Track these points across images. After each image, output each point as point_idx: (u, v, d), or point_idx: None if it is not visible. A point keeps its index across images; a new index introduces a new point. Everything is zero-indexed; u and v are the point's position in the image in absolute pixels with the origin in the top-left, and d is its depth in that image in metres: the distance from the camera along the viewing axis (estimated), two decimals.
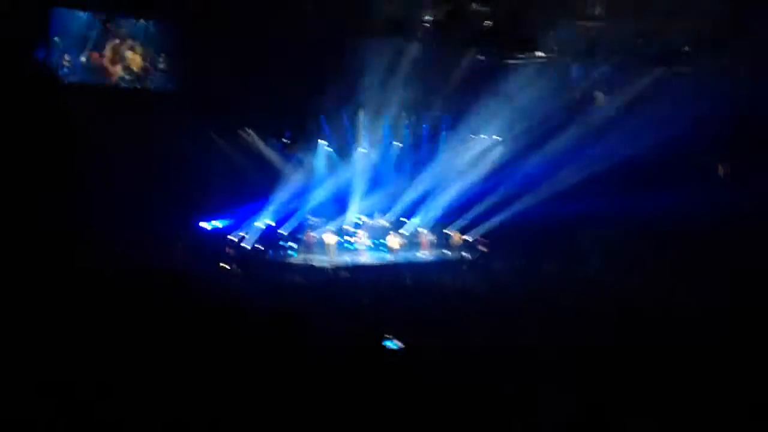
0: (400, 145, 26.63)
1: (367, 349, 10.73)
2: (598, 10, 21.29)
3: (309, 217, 25.59)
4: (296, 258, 23.29)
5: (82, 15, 18.72)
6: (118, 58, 19.12)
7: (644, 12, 21.70)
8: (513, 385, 10.71)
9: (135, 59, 19.32)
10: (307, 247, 24.73)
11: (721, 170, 24.81)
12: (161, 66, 19.68)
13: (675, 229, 21.83)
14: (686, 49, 23.15)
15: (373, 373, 10.73)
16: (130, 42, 19.22)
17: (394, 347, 8.76)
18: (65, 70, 18.64)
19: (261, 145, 24.00)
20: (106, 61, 19.01)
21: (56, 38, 18.41)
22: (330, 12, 20.01)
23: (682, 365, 11.17)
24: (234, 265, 20.80)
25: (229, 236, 22.92)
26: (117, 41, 19.07)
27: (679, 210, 21.82)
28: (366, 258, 24.17)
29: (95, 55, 18.91)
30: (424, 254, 25.22)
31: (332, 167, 26.09)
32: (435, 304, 17.77)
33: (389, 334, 11.42)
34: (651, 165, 23.55)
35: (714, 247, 20.51)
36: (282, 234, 24.18)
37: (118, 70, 19.15)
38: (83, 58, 18.70)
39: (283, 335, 12.19)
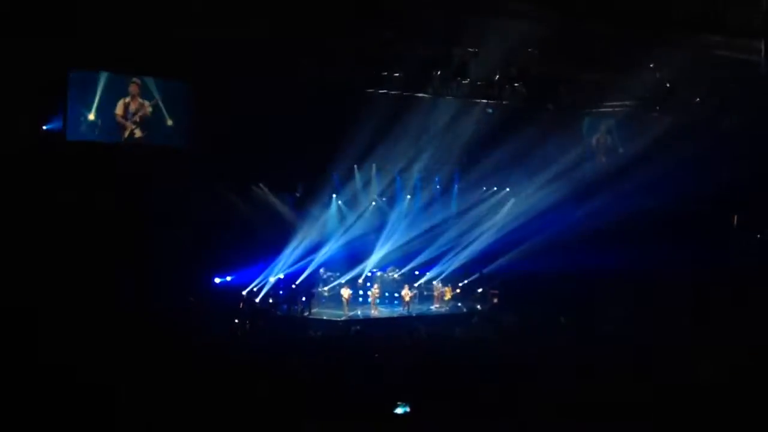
0: (413, 198, 26.72)
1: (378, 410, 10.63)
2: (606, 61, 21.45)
3: (322, 271, 25.59)
4: (309, 312, 23.19)
5: (97, 74, 19.11)
6: (130, 115, 19.45)
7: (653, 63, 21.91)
8: None
9: (147, 116, 19.64)
10: (320, 301, 24.71)
11: (735, 222, 24.67)
12: (173, 122, 19.95)
13: (692, 283, 21.66)
14: (697, 100, 23.25)
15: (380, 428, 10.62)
16: (142, 100, 19.57)
17: (403, 411, 8.67)
18: (81, 127, 18.98)
19: (273, 199, 24.13)
20: (119, 119, 19.34)
21: (73, 96, 18.82)
22: (340, 69, 20.24)
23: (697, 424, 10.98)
24: (246, 321, 20.70)
25: (242, 291, 22.91)
26: (129, 99, 19.44)
27: (696, 264, 21.69)
28: (379, 311, 24.04)
29: (117, 111, 19.33)
30: (437, 307, 25.07)
31: (345, 221, 26.19)
32: (448, 357, 17.59)
33: (398, 391, 11.30)
34: (667, 218, 23.49)
35: (732, 303, 20.26)
36: (295, 288, 24.13)
37: (130, 126, 19.46)
38: (95, 116, 19.06)
39: (293, 391, 12.10)
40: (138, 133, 19.54)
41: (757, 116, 21.51)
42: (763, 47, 18.43)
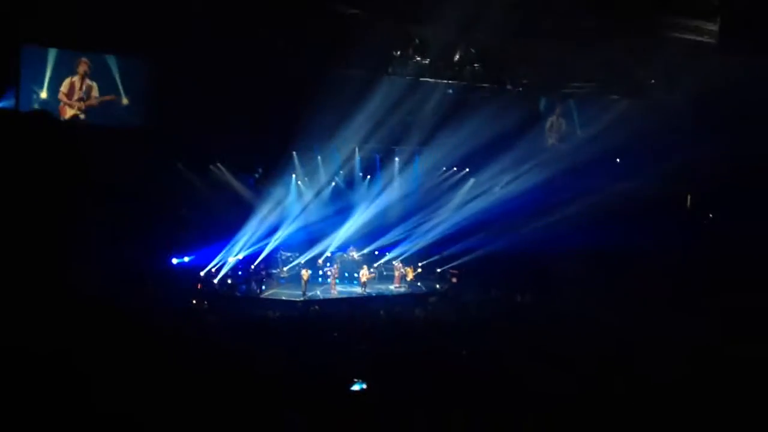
0: (372, 178, 26.68)
1: (337, 388, 10.64)
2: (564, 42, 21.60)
3: (281, 251, 25.51)
4: (267, 292, 23.11)
5: (51, 51, 18.68)
6: (75, 95, 19.03)
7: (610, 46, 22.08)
8: (485, 418, 10.65)
9: (94, 97, 19.24)
10: (279, 281, 24.66)
11: (689, 205, 25.13)
12: (129, 101, 19.61)
13: (645, 262, 22.00)
14: (652, 81, 23.52)
15: (342, 411, 10.64)
16: (90, 81, 19.15)
17: (360, 388, 8.68)
18: (34, 105, 18.58)
19: (233, 180, 23.91)
20: (70, 97, 18.93)
21: (25, 73, 18.40)
22: (301, 48, 20.07)
23: (658, 401, 11.15)
24: (204, 301, 20.54)
25: (200, 272, 22.73)
26: (76, 78, 19.01)
27: (650, 244, 22.01)
28: (337, 291, 24.06)
29: (62, 89, 18.87)
30: (396, 287, 25.17)
31: (304, 202, 26.06)
32: (407, 337, 17.67)
33: (358, 370, 11.32)
34: (623, 199, 23.78)
35: (686, 281, 20.64)
36: (253, 269, 24.03)
37: (74, 107, 19.05)
38: (48, 94, 18.65)
39: (252, 371, 12.05)
40: (82, 115, 19.09)
41: (711, 97, 21.81)
42: (717, 29, 18.72)
